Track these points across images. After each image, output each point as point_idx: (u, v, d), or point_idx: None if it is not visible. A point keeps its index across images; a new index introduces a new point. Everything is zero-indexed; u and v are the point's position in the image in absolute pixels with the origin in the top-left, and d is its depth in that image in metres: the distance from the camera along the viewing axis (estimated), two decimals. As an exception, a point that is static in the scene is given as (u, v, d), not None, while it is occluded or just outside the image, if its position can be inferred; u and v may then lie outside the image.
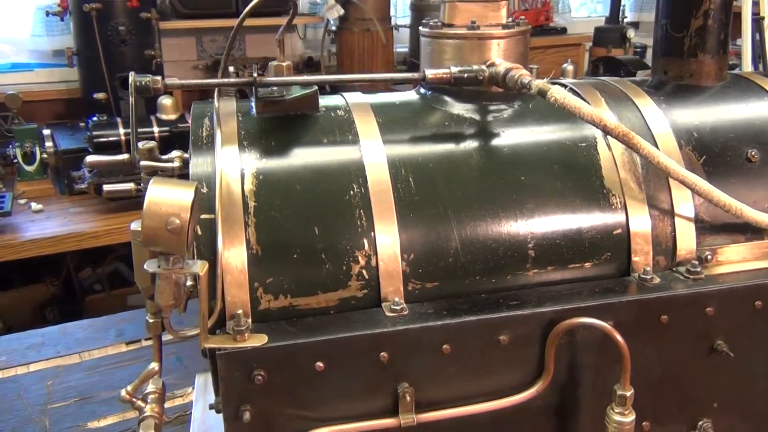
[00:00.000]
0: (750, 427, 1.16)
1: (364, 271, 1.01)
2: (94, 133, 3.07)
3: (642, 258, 1.09)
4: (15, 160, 3.27)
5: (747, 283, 1.07)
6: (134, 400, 0.98)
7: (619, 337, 0.98)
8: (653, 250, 1.10)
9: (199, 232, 0.97)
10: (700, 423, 1.13)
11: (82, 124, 3.33)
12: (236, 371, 0.93)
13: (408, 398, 0.98)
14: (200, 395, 1.32)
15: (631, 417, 1.00)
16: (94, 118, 3.11)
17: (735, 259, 1.12)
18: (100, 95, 3.16)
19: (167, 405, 1.78)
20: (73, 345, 2.16)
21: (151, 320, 1.04)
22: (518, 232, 1.06)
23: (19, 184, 3.24)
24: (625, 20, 4.58)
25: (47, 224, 3.02)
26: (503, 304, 1.02)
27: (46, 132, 3.21)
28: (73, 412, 1.85)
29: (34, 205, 3.13)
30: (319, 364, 0.95)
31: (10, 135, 3.34)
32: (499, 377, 1.02)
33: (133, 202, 2.84)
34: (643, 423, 1.11)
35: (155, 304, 1.02)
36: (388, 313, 0.99)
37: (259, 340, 0.93)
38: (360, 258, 1.00)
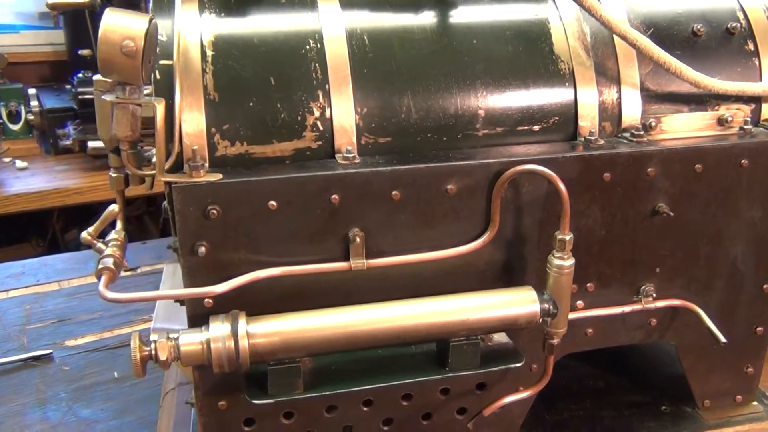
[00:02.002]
0: (692, 294, 1.20)
1: (318, 123, 1.04)
2: (79, 89, 3.10)
3: (588, 123, 1.13)
4: (0, 120, 3.29)
5: (687, 145, 1.11)
6: (95, 242, 1.02)
7: (560, 184, 1.01)
8: (599, 116, 1.13)
9: (158, 76, 1.01)
10: (642, 287, 1.17)
11: (68, 86, 3.36)
12: (191, 206, 0.96)
13: (358, 241, 1.01)
14: (167, 279, 1.35)
15: (570, 261, 1.04)
16: (79, 75, 3.14)
17: (678, 128, 1.16)
18: (84, 51, 3.19)
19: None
20: (52, 274, 2.21)
21: (114, 175, 1.07)
22: (468, 92, 1.09)
23: (3, 143, 3.26)
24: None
25: (32, 180, 3.05)
26: (452, 157, 1.06)
27: (32, 91, 3.23)
28: (51, 332, 1.89)
29: (19, 163, 3.16)
30: (272, 203, 0.98)
31: (-5, 95, 3.37)
32: (448, 228, 1.05)
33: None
34: (588, 284, 1.14)
35: (117, 158, 1.07)
36: (340, 161, 1.03)
37: (214, 177, 0.97)
38: (314, 109, 1.04)
